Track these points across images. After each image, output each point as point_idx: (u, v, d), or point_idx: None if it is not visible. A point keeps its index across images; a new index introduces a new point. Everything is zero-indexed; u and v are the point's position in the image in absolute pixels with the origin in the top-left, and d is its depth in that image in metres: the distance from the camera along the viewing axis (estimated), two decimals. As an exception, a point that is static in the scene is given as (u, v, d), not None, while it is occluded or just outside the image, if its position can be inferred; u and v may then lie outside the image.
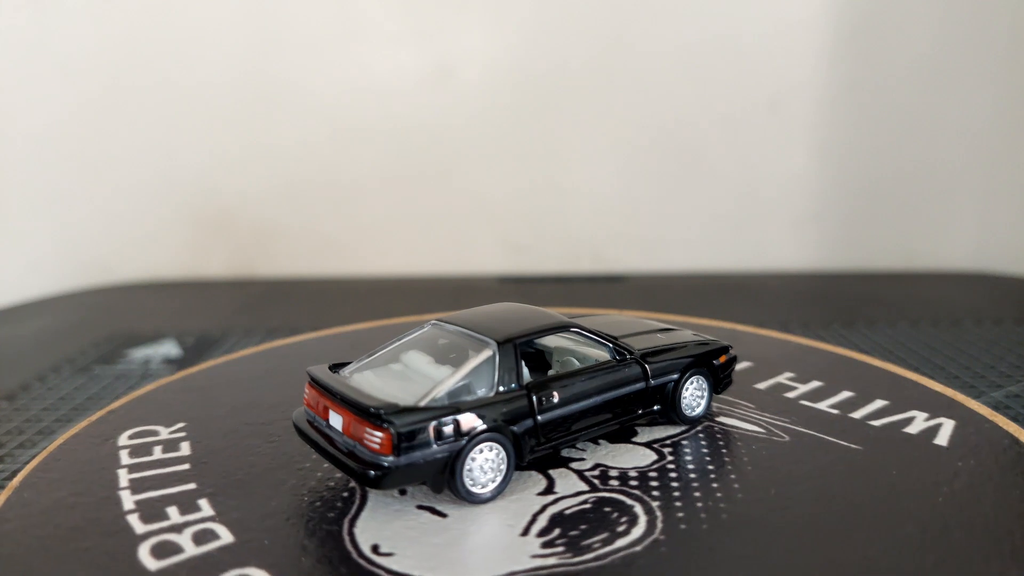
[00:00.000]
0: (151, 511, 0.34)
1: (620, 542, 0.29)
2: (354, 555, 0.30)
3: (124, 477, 0.37)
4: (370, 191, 0.91)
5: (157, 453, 0.39)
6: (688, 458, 0.36)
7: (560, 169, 0.91)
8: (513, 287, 0.86)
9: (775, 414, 0.40)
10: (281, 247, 0.92)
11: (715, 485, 0.33)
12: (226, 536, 0.31)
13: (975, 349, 0.60)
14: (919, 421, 0.39)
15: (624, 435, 0.38)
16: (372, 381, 0.35)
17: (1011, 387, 0.52)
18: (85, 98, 0.87)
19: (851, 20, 0.86)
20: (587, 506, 0.32)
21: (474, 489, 0.32)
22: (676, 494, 0.33)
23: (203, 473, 0.37)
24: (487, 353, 0.34)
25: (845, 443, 0.36)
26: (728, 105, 0.88)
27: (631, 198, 0.91)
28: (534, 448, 0.34)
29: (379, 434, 0.31)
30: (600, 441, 0.38)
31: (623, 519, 0.31)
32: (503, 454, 0.33)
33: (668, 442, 0.37)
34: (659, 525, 0.30)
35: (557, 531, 0.31)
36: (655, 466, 0.35)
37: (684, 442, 0.37)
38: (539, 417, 0.34)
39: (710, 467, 0.35)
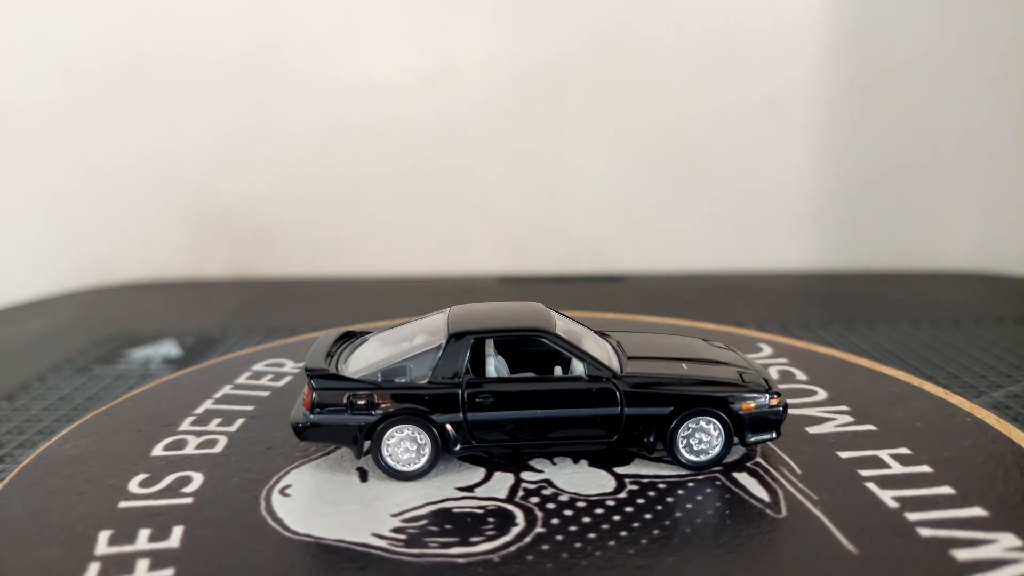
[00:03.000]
0: (203, 418, 0.42)
1: (455, 550, 0.30)
2: (264, 488, 0.34)
3: (222, 391, 0.45)
4: (370, 191, 0.91)
5: (264, 380, 0.46)
6: (640, 502, 0.33)
7: (560, 169, 0.91)
8: (513, 287, 0.86)
9: (809, 487, 0.34)
10: (281, 247, 0.92)
11: (623, 534, 0.30)
12: (219, 448, 0.38)
13: (975, 349, 0.60)
14: (995, 547, 0.30)
15: (612, 460, 0.36)
16: (364, 350, 0.38)
17: (1011, 387, 0.52)
18: (85, 98, 0.88)
19: (851, 19, 0.86)
20: (479, 511, 0.32)
21: (392, 464, 0.35)
22: (572, 529, 0.31)
23: (270, 402, 0.43)
24: (437, 342, 0.36)
25: (845, 541, 0.30)
26: (728, 104, 0.88)
27: (631, 198, 0.91)
28: (468, 444, 0.35)
29: (305, 392, 0.35)
30: (581, 460, 0.36)
31: (488, 533, 0.31)
32: (426, 439, 0.34)
33: (646, 480, 0.35)
34: (510, 550, 0.29)
35: (423, 522, 0.32)
36: (595, 497, 0.33)
37: (661, 485, 0.34)
38: (469, 415, 0.34)
39: (647, 516, 0.32)
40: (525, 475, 0.35)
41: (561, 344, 0.36)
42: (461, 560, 0.29)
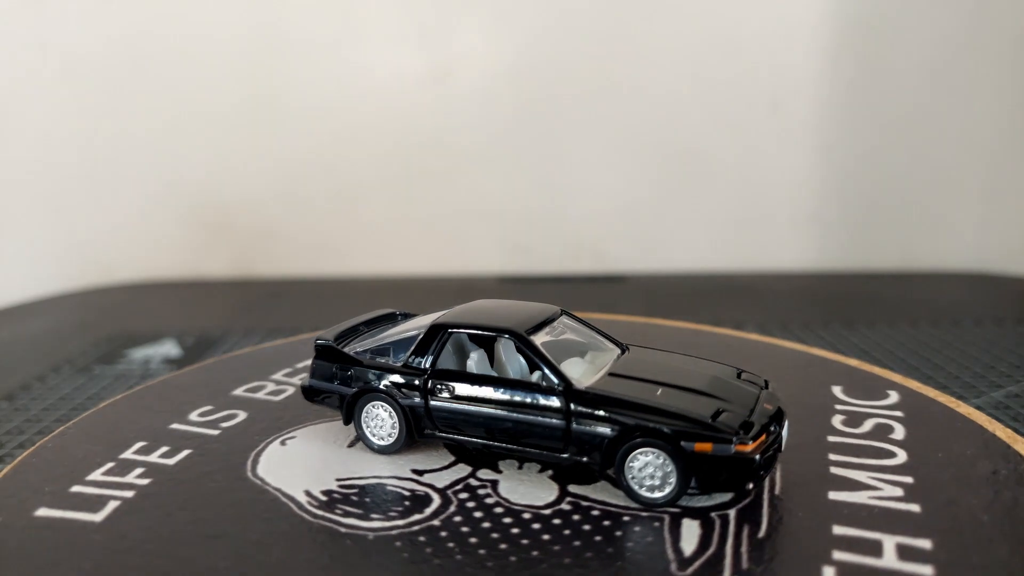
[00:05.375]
0: (296, 372, 0.47)
1: (349, 520, 0.31)
2: (267, 437, 0.38)
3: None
4: (370, 191, 0.92)
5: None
6: (556, 522, 0.31)
7: (560, 169, 0.91)
8: (513, 287, 0.86)
9: (753, 554, 0.28)
10: (281, 247, 0.93)
11: (502, 547, 0.29)
12: (280, 397, 0.43)
13: (975, 349, 0.61)
14: None
15: (576, 477, 0.34)
16: (388, 330, 0.41)
17: (1011, 387, 0.52)
18: (87, 100, 0.89)
19: (852, 21, 0.86)
20: (405, 493, 0.33)
21: (368, 436, 0.37)
22: (464, 530, 0.30)
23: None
24: (419, 330, 0.38)
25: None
26: (729, 105, 0.89)
27: (631, 198, 0.92)
28: (431, 430, 0.36)
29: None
30: (547, 471, 0.35)
31: (390, 514, 0.32)
32: (395, 418, 0.37)
33: (586, 503, 0.32)
34: (390, 533, 0.30)
35: (352, 491, 0.34)
36: (517, 507, 0.32)
37: (595, 512, 0.31)
38: (430, 402, 0.36)
39: (544, 537, 0.30)
40: (481, 473, 0.35)
41: (526, 348, 0.35)
42: (343, 529, 0.30)
